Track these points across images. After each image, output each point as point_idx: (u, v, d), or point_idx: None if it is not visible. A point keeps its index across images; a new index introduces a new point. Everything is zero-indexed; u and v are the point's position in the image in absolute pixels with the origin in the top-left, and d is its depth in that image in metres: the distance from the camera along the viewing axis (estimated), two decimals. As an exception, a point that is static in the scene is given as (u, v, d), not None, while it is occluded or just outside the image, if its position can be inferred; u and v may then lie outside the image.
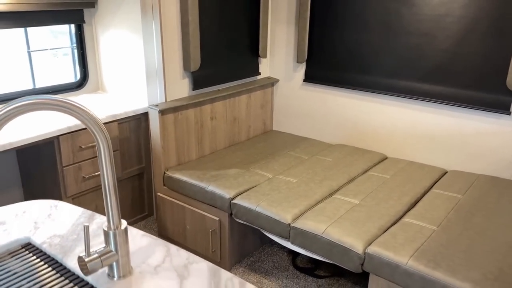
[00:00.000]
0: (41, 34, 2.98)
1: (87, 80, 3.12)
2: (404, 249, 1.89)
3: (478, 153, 2.62)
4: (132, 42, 2.84)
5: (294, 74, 3.29)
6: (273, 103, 3.48)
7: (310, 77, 3.19)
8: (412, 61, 2.70)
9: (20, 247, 1.11)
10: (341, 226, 2.07)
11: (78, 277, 1.01)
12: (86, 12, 2.99)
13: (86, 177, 2.61)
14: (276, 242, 2.80)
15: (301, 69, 3.23)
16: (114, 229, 0.94)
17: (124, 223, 0.97)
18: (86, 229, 0.89)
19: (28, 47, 2.92)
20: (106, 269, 1.00)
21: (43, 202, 1.39)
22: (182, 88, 2.76)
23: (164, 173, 2.69)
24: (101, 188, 2.63)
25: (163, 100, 2.66)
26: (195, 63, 2.71)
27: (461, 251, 1.88)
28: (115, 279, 0.98)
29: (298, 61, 3.16)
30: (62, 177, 2.51)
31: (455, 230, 2.04)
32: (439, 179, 2.61)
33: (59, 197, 2.58)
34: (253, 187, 2.48)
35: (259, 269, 2.58)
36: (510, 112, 2.45)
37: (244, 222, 2.36)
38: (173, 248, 1.11)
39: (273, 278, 2.49)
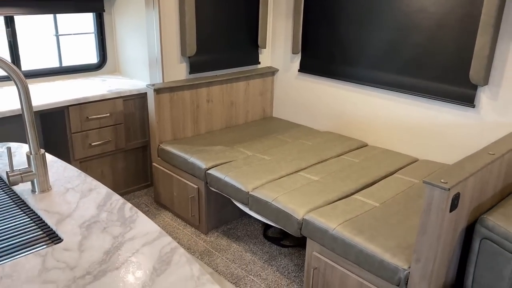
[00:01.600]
0: (72, 19, 3.45)
1: (106, 63, 3.56)
2: (337, 218, 2.11)
3: (448, 144, 2.74)
4: (142, 29, 3.23)
5: (291, 64, 3.53)
6: (274, 91, 3.74)
7: (304, 68, 3.43)
8: (390, 54, 2.87)
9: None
10: (291, 196, 2.32)
11: (11, 190, 1.38)
12: (106, 1, 3.42)
13: (92, 144, 3.03)
14: (255, 215, 3.08)
15: (297, 60, 3.47)
16: (34, 155, 1.29)
17: (42, 151, 1.31)
18: (8, 150, 1.24)
19: (56, 32, 3.40)
20: (30, 185, 1.35)
21: (11, 144, 1.78)
22: (179, 72, 3.11)
23: (158, 145, 3.05)
24: (107, 155, 3.05)
25: (161, 81, 3.02)
26: (191, 49, 3.04)
27: (390, 224, 2.07)
28: (36, 193, 1.33)
29: (293, 52, 3.40)
30: (71, 143, 2.95)
31: (393, 208, 2.22)
32: (405, 166, 2.77)
33: (68, 160, 3.02)
34: (229, 162, 2.78)
35: (232, 235, 2.87)
36: (474, 105, 2.56)
37: (216, 190, 2.67)
38: (89, 179, 1.44)
39: (242, 243, 2.78)
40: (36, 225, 1.18)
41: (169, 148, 2.96)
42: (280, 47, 3.58)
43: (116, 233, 1.13)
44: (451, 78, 2.62)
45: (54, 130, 3.12)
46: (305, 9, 3.29)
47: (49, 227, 1.17)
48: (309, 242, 2.19)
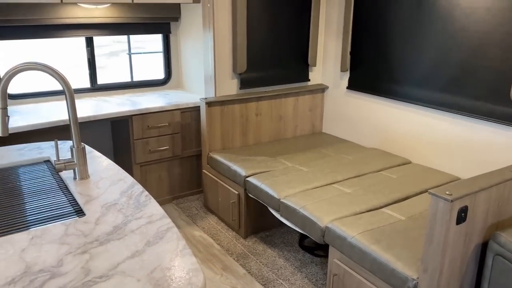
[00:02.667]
0: (143, 39, 3.90)
1: (170, 79, 3.95)
2: (358, 228, 2.19)
3: (490, 163, 2.68)
4: (201, 49, 3.56)
5: (340, 82, 3.65)
6: (324, 108, 3.87)
7: (352, 85, 3.53)
8: (433, 73, 2.88)
9: (43, 160, 1.84)
10: (319, 205, 2.44)
11: (59, 176, 1.68)
12: (172, 24, 3.82)
13: (151, 150, 3.38)
14: (294, 224, 3.21)
15: (345, 78, 3.58)
16: (76, 148, 1.58)
17: (82, 145, 1.60)
18: (56, 143, 1.54)
19: (129, 50, 3.86)
20: (72, 173, 1.65)
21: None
22: (231, 87, 3.37)
23: (208, 154, 3.32)
24: (164, 161, 3.38)
25: (213, 95, 3.31)
26: (241, 67, 3.30)
27: (410, 236, 2.11)
28: (76, 179, 1.62)
29: (342, 70, 3.52)
30: (133, 148, 3.32)
31: (418, 222, 2.25)
32: (443, 184, 2.74)
33: (130, 164, 3.40)
34: (268, 171, 2.95)
35: (269, 241, 3.03)
36: (516, 124, 2.49)
37: (253, 197, 2.85)
38: (121, 171, 1.71)
39: (277, 250, 2.92)
40: (69, 203, 1.46)
41: (217, 156, 3.21)
42: (330, 65, 3.71)
43: (128, 213, 1.37)
44: (493, 97, 2.58)
45: (121, 136, 3.53)
46: (353, 29, 3.40)
47: (78, 205, 1.44)
48: (331, 249, 2.29)
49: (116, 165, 1.76)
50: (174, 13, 3.72)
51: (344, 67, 3.51)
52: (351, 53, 3.47)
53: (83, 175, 1.63)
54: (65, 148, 1.99)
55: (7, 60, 3.33)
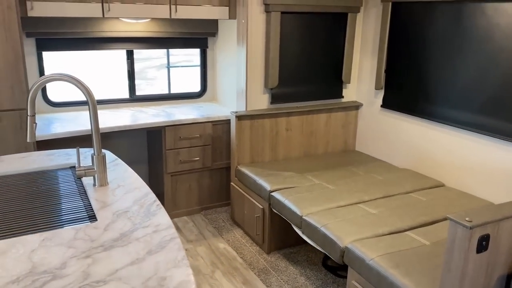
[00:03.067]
0: (192, 52, 4.03)
1: (206, 92, 4.03)
2: (378, 250, 2.13)
3: (526, 190, 2.54)
4: (235, 64, 3.62)
5: (375, 100, 3.59)
6: (357, 125, 3.82)
7: (386, 104, 3.46)
8: (471, 94, 2.78)
9: (69, 166, 1.93)
10: (341, 225, 2.39)
11: (80, 182, 1.76)
12: (210, 39, 3.92)
13: (182, 160, 3.46)
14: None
15: (380, 96, 3.52)
16: (96, 156, 1.65)
17: (103, 153, 1.67)
18: (77, 150, 1.62)
19: (168, 64, 3.99)
20: (92, 180, 1.72)
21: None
22: (262, 101, 3.40)
23: (236, 167, 3.35)
24: (194, 172, 3.45)
25: (244, 109, 3.35)
26: (273, 82, 3.33)
27: (431, 263, 2.03)
28: (96, 186, 1.69)
29: (376, 87, 3.47)
30: (165, 158, 3.41)
31: (443, 249, 2.15)
32: (476, 209, 2.61)
33: (162, 173, 3.49)
34: (293, 187, 2.94)
35: (292, 258, 3.00)
36: (557, 151, 2.35)
37: (277, 212, 2.84)
38: (139, 180, 1.76)
39: (299, 267, 2.89)
40: (85, 208, 1.52)
41: (244, 169, 3.24)
42: (365, 82, 3.66)
43: (137, 222, 1.41)
44: (531, 120, 2.45)
45: (155, 146, 3.64)
46: (389, 47, 3.35)
47: (92, 211, 1.50)
48: (349, 271, 2.23)
49: (135, 174, 1.82)
50: (212, 28, 3.81)
51: (379, 85, 3.45)
52: (386, 71, 3.42)
53: (102, 182, 1.69)
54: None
55: (57, 70, 3.54)
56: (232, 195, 3.45)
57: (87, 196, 1.62)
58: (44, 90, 3.43)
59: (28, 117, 1.58)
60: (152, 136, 3.67)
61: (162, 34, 3.65)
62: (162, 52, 4.00)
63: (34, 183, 1.74)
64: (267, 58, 3.30)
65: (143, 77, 3.99)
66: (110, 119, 3.31)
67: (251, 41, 3.23)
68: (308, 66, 3.48)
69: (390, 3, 3.26)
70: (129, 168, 1.89)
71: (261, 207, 3.02)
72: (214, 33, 3.86)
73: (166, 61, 4.10)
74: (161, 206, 1.52)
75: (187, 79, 4.05)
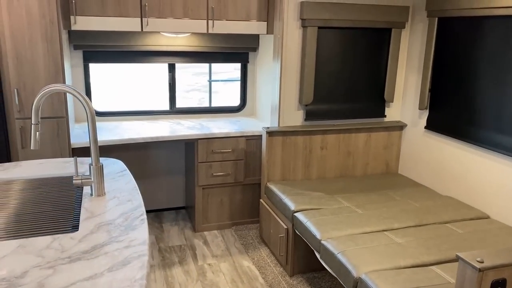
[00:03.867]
0: (225, 67, 4.07)
1: (245, 106, 4.02)
2: (393, 285, 1.95)
3: None
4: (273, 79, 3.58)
5: (419, 120, 3.36)
6: (401, 147, 3.59)
7: (431, 125, 3.22)
8: (519, 116, 2.51)
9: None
10: (360, 253, 2.23)
11: (81, 190, 1.78)
12: (251, 54, 3.91)
13: (214, 174, 3.45)
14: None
15: (424, 116, 3.29)
16: (94, 166, 1.67)
17: (100, 163, 1.69)
18: (75, 160, 1.65)
19: (210, 77, 4.04)
20: (89, 189, 1.74)
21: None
22: (296, 118, 3.31)
23: (266, 183, 3.28)
24: (226, 186, 3.43)
25: (276, 125, 3.28)
26: (307, 98, 3.23)
27: (451, 305, 1.81)
28: (92, 196, 1.71)
29: (420, 108, 3.25)
30: (196, 170, 3.43)
31: (469, 289, 1.92)
32: (520, 248, 2.32)
33: (193, 185, 3.51)
34: (319, 208, 2.80)
35: (316, 284, 2.85)
36: None
37: (299, 234, 2.72)
38: (135, 192, 1.76)
39: (321, 294, 2.74)
40: (73, 217, 1.54)
41: (272, 186, 3.16)
42: (410, 101, 3.45)
43: (114, 235, 1.40)
44: None
45: (190, 158, 3.67)
46: (434, 65, 3.13)
47: (78, 221, 1.51)
48: (362, 304, 2.06)
49: (135, 186, 1.82)
50: (253, 43, 3.81)
51: (423, 105, 3.23)
52: (430, 90, 3.19)
53: (99, 192, 1.71)
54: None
55: (103, 81, 3.70)
56: (260, 212, 3.38)
57: (80, 206, 1.64)
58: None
59: (32, 125, 1.64)
60: (189, 148, 3.71)
61: (203, 48, 3.70)
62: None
63: (37, 189, 1.80)
64: (302, 74, 3.22)
65: (198, 89, 4.06)
66: (147, 129, 3.39)
67: (286, 56, 3.17)
68: (346, 83, 3.34)
69: (436, 18, 3.05)
70: (133, 180, 1.90)
71: (285, 227, 2.92)
72: (255, 48, 3.85)
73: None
74: (145, 220, 1.50)
75: (233, 92, 4.07)
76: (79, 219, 1.52)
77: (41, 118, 2.86)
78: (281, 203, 2.97)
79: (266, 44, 3.66)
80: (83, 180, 1.67)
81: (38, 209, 1.61)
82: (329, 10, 3.10)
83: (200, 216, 3.55)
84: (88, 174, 1.72)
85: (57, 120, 2.90)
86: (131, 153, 3.74)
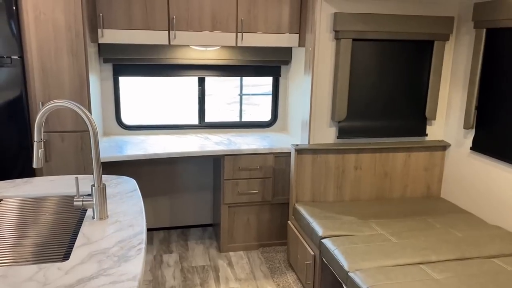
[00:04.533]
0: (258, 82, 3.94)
1: (276, 121, 3.86)
2: (427, 331, 1.71)
3: None
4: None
5: (464, 140, 3.07)
6: (444, 168, 3.30)
7: (477, 146, 2.93)
8: None
9: (87, 194, 1.88)
10: (389, 289, 2.00)
11: (82, 212, 1.68)
12: (283, 68, 3.76)
13: (240, 192, 3.31)
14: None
15: (470, 136, 3.00)
16: (96, 187, 1.57)
17: (103, 185, 1.58)
18: (76, 179, 1.55)
19: (241, 91, 3.92)
20: (92, 212, 1.63)
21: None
22: (327, 135, 3.12)
23: (294, 204, 3.09)
24: (253, 205, 3.27)
25: (306, 142, 3.10)
26: (341, 114, 3.03)
27: None
28: (94, 219, 1.60)
29: (465, 127, 2.97)
30: (222, 188, 3.29)
31: None
32: None
33: (219, 203, 3.37)
34: (349, 235, 2.58)
35: (344, 317, 2.61)
36: None
37: (326, 262, 2.51)
38: (140, 216, 1.63)
39: (349, 329, 2.49)
40: (68, 244, 1.43)
41: (300, 208, 2.96)
42: (454, 120, 3.16)
43: (105, 266, 1.27)
44: None
45: (218, 174, 3.54)
46: (481, 80, 2.85)
47: (71, 248, 1.39)
48: None
49: (142, 209, 1.70)
50: (285, 56, 3.66)
51: (468, 124, 2.94)
52: (477, 108, 2.90)
53: (102, 215, 1.60)
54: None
55: (132, 94, 3.67)
56: (288, 235, 3.19)
57: (79, 230, 1.53)
58: (118, 113, 3.57)
59: (35, 142, 1.56)
60: (216, 164, 3.59)
61: (233, 61, 3.59)
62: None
63: (40, 209, 1.71)
64: (335, 89, 3.02)
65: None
66: (174, 144, 3.30)
67: (318, 70, 3.00)
68: (383, 99, 3.11)
69: (484, 30, 2.78)
70: (141, 201, 1.78)
71: (312, 253, 2.71)
72: (287, 61, 3.69)
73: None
74: (142, 250, 1.36)
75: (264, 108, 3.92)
76: (73, 246, 1.41)
77: (65, 131, 2.83)
78: (308, 227, 2.77)
79: (299, 57, 3.50)
80: (84, 202, 1.57)
81: (35, 232, 1.52)
82: (364, 21, 2.90)
83: (225, 236, 3.40)
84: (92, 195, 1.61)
85: (81, 134, 2.86)
86: (160, 167, 3.67)
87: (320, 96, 3.05)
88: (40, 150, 1.57)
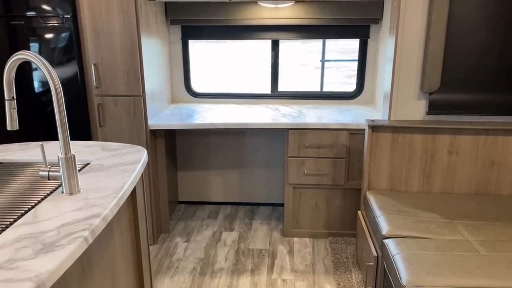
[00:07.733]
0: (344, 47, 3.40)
1: (361, 93, 3.29)
2: None
3: None
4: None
5: None
6: None
7: None
8: None
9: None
10: (453, 323, 1.45)
11: (58, 185, 1.46)
12: (373, 27, 3.15)
13: (306, 172, 2.88)
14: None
15: None
16: (63, 156, 1.32)
17: (72, 154, 1.32)
18: (41, 147, 1.32)
19: (323, 57, 3.41)
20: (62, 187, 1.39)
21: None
22: (414, 110, 2.50)
23: (366, 192, 2.57)
24: (323, 188, 2.83)
25: (386, 118, 2.53)
26: (432, 84, 2.39)
27: None
28: (63, 194, 1.36)
29: None
30: (286, 166, 2.90)
31: None
32: None
33: (282, 182, 2.99)
34: (422, 238, 2.01)
35: (409, 338, 2.07)
36: None
37: (386, 268, 1.99)
38: (112, 196, 1.35)
39: None
40: (15, 220, 1.21)
41: (371, 197, 2.44)
42: None
43: (18, 257, 1.01)
44: None
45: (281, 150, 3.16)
46: None
47: (9, 228, 1.17)
48: None
49: (124, 186, 1.42)
50: (375, 13, 3.04)
51: None
52: None
53: (72, 189, 1.36)
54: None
55: (201, 59, 3.44)
56: (357, 227, 2.68)
57: (37, 205, 1.31)
58: (187, 80, 3.37)
59: (6, 101, 1.37)
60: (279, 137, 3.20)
61: (311, 21, 3.10)
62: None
63: (16, 177, 1.54)
64: (426, 51, 2.38)
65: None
66: (237, 114, 3.00)
67: (404, 28, 2.39)
68: (492, 64, 2.37)
69: None
70: (131, 176, 1.50)
71: (375, 254, 2.20)
72: (377, 19, 3.07)
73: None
74: (80, 240, 1.08)
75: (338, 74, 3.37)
76: (14, 225, 1.19)
77: (117, 95, 2.70)
78: (374, 223, 2.25)
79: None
80: (51, 173, 1.34)
81: (-1, 200, 1.34)
82: (470, -42, 2.19)
83: (290, 219, 3.03)
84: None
85: (133, 98, 2.71)
86: (229, 138, 3.41)
87: (406, 61, 2.43)
88: (12, 110, 1.37)
